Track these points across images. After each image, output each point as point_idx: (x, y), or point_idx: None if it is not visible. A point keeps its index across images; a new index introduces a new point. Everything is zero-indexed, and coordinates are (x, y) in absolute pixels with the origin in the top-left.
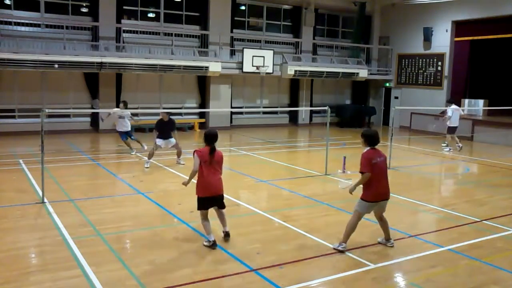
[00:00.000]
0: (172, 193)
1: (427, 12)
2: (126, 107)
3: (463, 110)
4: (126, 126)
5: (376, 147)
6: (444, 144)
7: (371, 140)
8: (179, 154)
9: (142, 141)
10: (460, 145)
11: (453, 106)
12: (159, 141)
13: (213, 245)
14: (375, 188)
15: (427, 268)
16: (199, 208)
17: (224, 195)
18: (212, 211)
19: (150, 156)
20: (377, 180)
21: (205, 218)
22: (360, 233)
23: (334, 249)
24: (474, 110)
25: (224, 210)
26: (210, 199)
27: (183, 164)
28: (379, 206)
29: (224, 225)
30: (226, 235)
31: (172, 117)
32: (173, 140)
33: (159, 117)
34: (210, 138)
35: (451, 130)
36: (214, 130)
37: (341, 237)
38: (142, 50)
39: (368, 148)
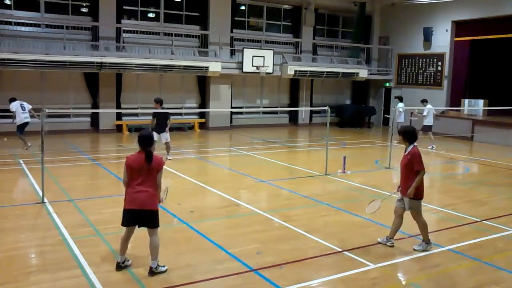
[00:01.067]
0: (172, 193)
1: (427, 12)
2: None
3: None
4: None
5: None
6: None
7: (412, 136)
8: (167, 150)
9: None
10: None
11: (428, 106)
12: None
13: (116, 267)
14: (423, 184)
15: (427, 268)
16: (122, 223)
17: (224, 195)
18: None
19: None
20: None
21: (125, 235)
22: (360, 233)
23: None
24: (474, 110)
25: (154, 237)
26: (132, 212)
27: (170, 159)
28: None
29: (151, 255)
30: (150, 271)
31: (172, 117)
32: (165, 136)
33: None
34: (142, 141)
35: (427, 128)
36: (147, 132)
37: (423, 238)
38: (142, 50)
39: (413, 145)
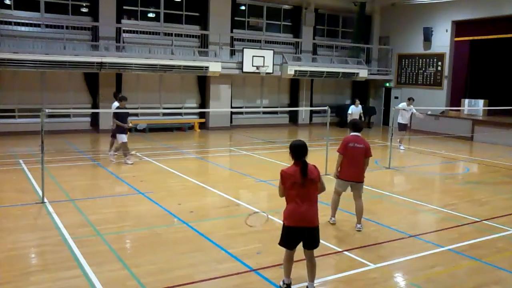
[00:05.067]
0: (172, 193)
1: (427, 12)
2: None
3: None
4: None
5: (360, 135)
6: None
7: (353, 126)
8: (117, 149)
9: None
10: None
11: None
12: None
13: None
14: (345, 168)
15: (427, 268)
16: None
17: (224, 195)
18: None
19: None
20: (348, 162)
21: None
22: (360, 233)
23: (330, 222)
24: (474, 110)
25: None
26: (293, 230)
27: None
28: (352, 186)
29: (309, 276)
30: None
31: (173, 117)
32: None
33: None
34: (295, 151)
35: (403, 127)
36: (301, 141)
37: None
38: (142, 50)
39: (351, 133)
